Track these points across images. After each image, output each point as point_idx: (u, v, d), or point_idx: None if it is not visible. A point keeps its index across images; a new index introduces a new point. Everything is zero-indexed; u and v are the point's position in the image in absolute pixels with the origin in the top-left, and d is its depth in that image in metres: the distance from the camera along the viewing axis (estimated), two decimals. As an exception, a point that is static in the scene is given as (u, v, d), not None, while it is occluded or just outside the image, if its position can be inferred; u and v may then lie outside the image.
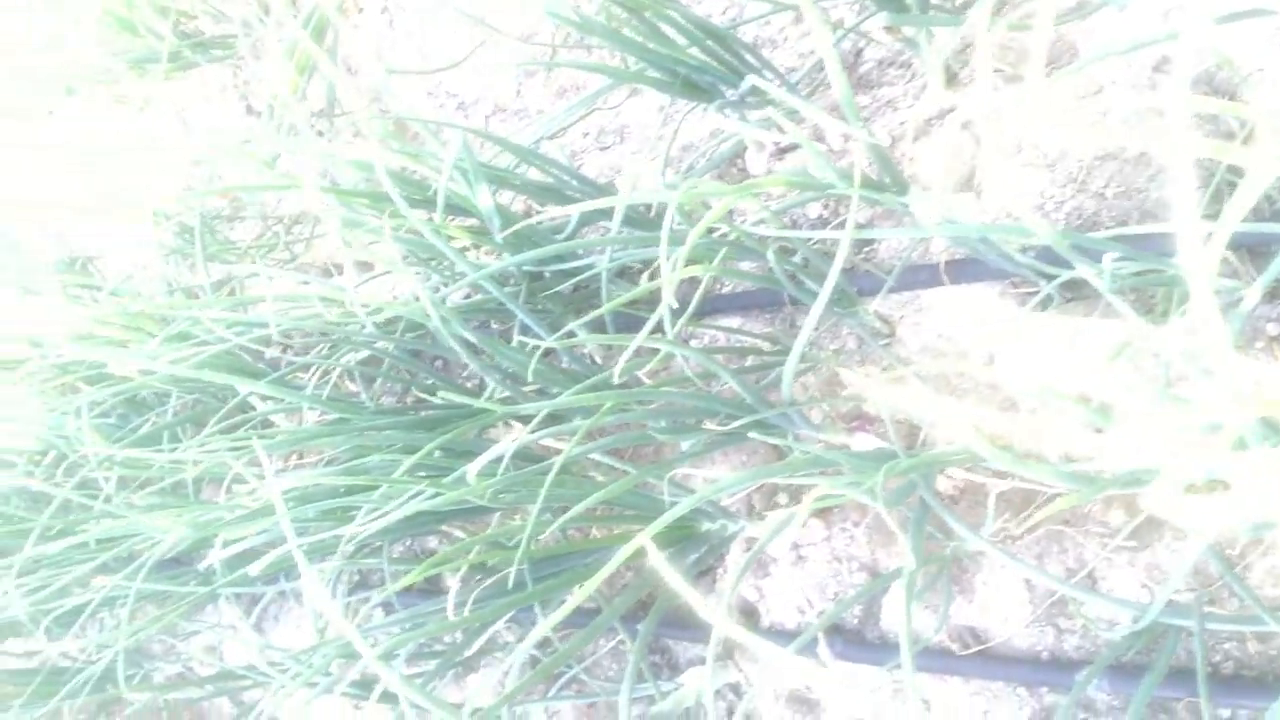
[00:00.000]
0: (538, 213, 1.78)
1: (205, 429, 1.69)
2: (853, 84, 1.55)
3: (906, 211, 1.24)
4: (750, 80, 1.38)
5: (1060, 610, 1.25)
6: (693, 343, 1.60)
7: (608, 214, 1.51)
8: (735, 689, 1.50)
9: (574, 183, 1.57)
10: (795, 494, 1.47)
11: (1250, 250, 1.14)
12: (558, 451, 1.42)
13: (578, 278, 1.50)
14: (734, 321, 1.58)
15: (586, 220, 1.60)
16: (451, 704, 1.17)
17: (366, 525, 1.25)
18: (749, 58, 1.47)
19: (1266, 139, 0.54)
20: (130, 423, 1.98)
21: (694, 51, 1.42)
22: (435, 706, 1.02)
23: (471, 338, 1.37)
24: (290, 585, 1.83)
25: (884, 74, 1.54)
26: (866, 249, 1.46)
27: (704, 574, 1.53)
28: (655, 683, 1.46)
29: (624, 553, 0.96)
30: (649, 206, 1.62)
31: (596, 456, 1.48)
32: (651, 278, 1.59)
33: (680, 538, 1.45)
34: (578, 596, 0.92)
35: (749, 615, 1.49)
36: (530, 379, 1.33)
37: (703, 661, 1.55)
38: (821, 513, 1.41)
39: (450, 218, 1.53)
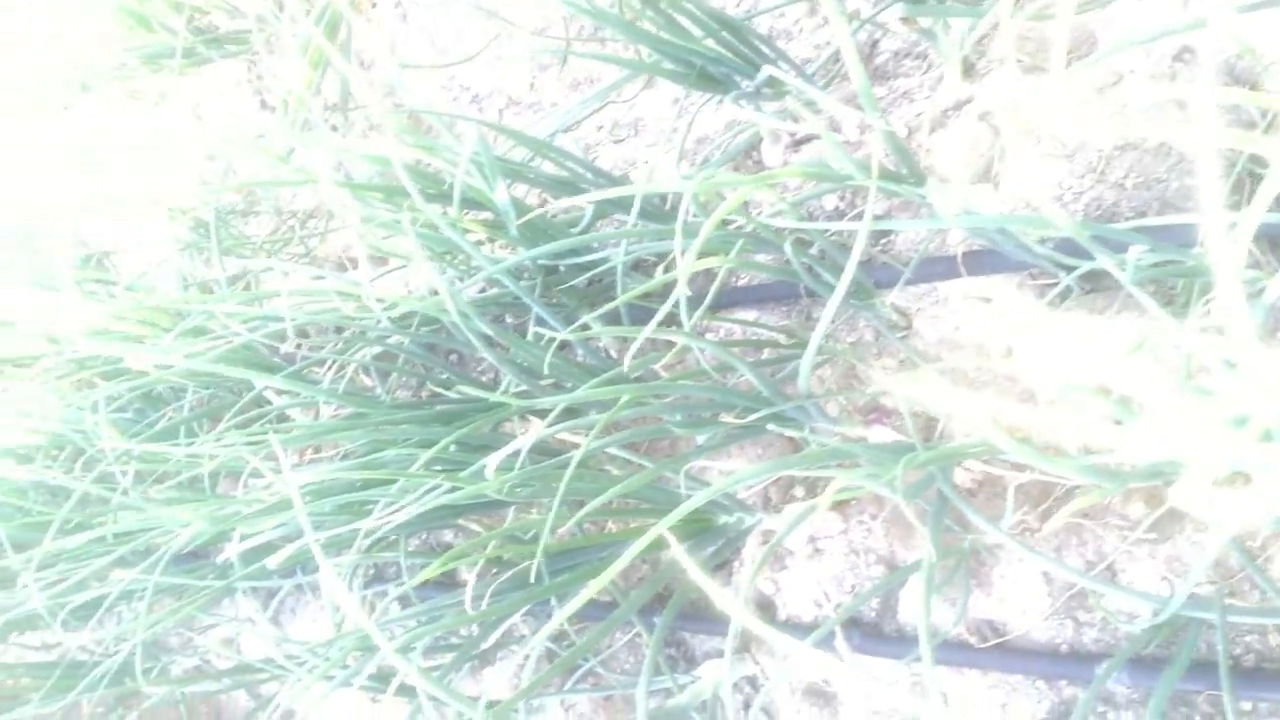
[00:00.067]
0: (553, 207, 1.79)
1: (221, 424, 1.70)
2: (869, 75, 1.54)
3: (923, 203, 1.23)
4: (766, 71, 1.37)
5: (1079, 603, 1.24)
6: (708, 335, 1.60)
7: (622, 207, 1.50)
8: (752, 682, 1.49)
9: (589, 176, 1.56)
10: (812, 487, 1.46)
11: (1271, 241, 1.13)
12: (573, 445, 1.42)
13: (593, 271, 1.50)
14: (750, 314, 1.58)
15: (601, 214, 1.59)
16: (468, 697, 1.17)
17: (385, 519, 1.25)
18: (764, 49, 1.46)
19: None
20: (147, 417, 1.99)
21: (709, 43, 1.41)
22: (453, 699, 1.02)
23: (490, 332, 1.36)
24: (307, 579, 1.84)
25: (900, 65, 1.53)
26: (883, 241, 1.45)
27: (720, 567, 1.53)
28: (672, 676, 1.46)
29: (640, 544, 0.96)
30: (664, 199, 1.62)
31: (612, 450, 1.47)
32: (667, 270, 1.59)
33: (697, 531, 1.45)
34: (592, 587, 0.92)
35: (766, 608, 1.48)
36: (546, 373, 1.33)
37: (719, 655, 1.55)
38: (838, 506, 1.41)
39: (464, 211, 1.53)
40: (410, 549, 1.61)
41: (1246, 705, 1.12)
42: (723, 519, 1.45)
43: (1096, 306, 1.25)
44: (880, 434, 1.36)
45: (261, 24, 2.20)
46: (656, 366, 1.46)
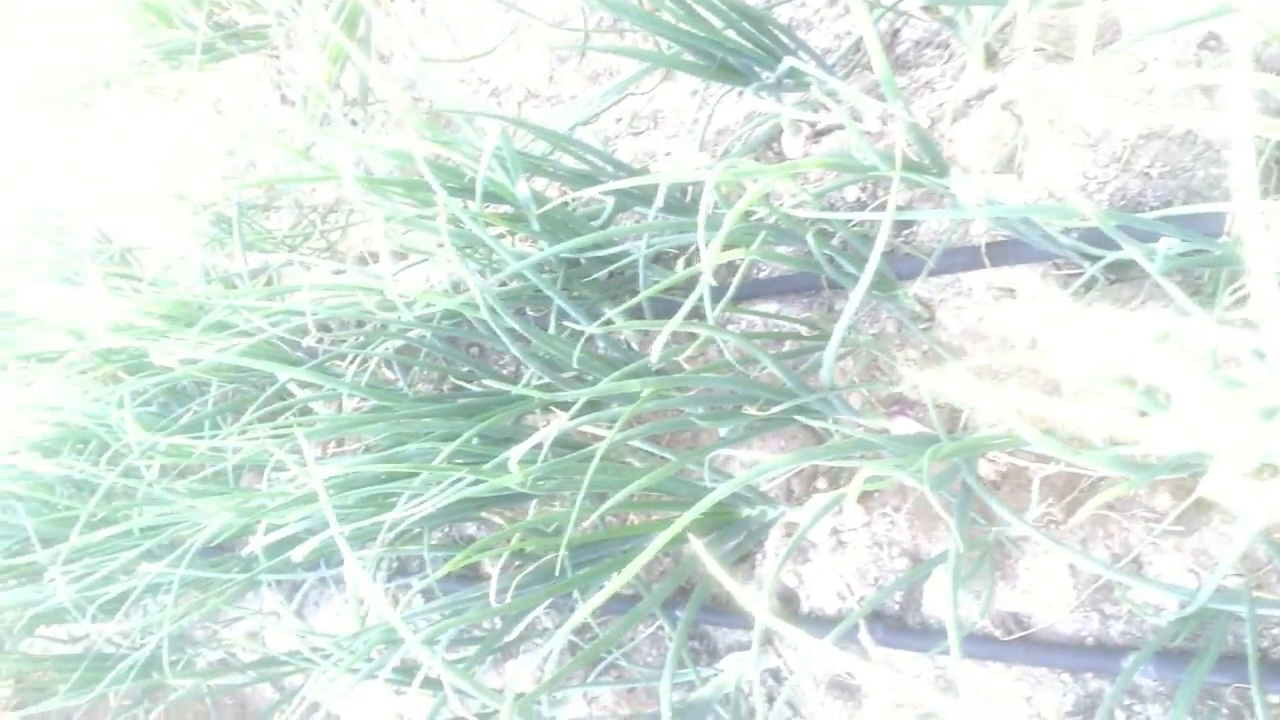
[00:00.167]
0: (574, 199, 1.78)
1: (245, 417, 1.71)
2: (890, 65, 1.53)
3: (946, 193, 1.22)
4: (788, 63, 1.37)
5: (1105, 596, 1.23)
6: (730, 327, 1.60)
7: (643, 200, 1.50)
8: (775, 674, 1.49)
9: (609, 168, 1.56)
10: (834, 479, 1.46)
11: (1301, 229, 1.12)
12: (595, 438, 1.42)
13: (615, 265, 1.50)
14: (771, 306, 1.57)
15: (621, 207, 1.59)
16: (492, 689, 1.17)
17: (411, 511, 1.25)
18: (785, 39, 1.45)
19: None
20: (171, 411, 2.00)
21: (729, 34, 1.41)
22: (479, 692, 1.02)
23: (515, 326, 1.37)
24: (331, 572, 1.84)
25: (921, 54, 1.52)
26: (906, 231, 1.44)
27: (743, 560, 1.53)
28: (695, 668, 1.46)
29: (664, 537, 0.96)
30: (685, 192, 1.61)
31: (634, 442, 1.47)
32: (688, 262, 1.59)
33: (720, 523, 1.45)
34: (617, 581, 0.92)
35: (789, 601, 1.48)
36: (574, 365, 1.33)
37: (741, 647, 1.55)
38: (861, 498, 1.40)
39: (485, 205, 1.53)
40: (432, 542, 1.62)
41: (1275, 698, 1.11)
42: (745, 512, 1.45)
43: (1122, 297, 1.24)
44: (903, 426, 1.35)
45: (281, 19, 2.21)
46: (679, 359, 1.46)
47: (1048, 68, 1.34)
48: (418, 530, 1.58)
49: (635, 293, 1.54)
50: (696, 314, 1.18)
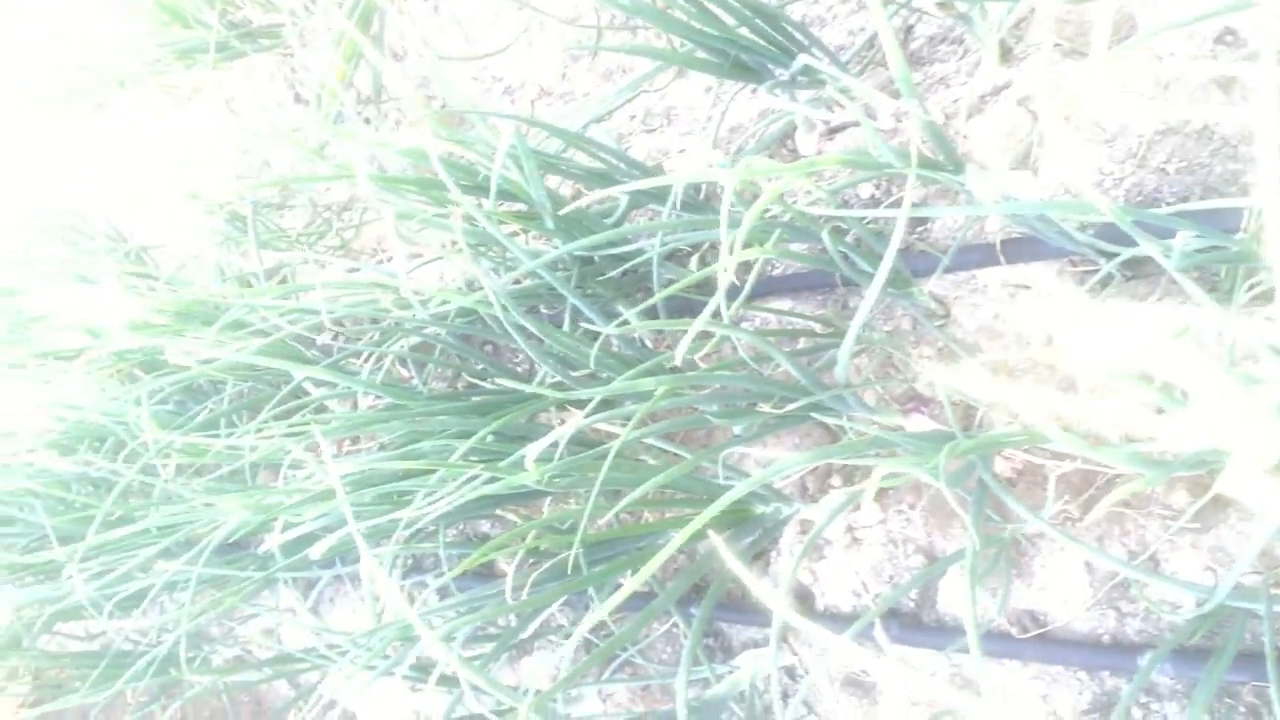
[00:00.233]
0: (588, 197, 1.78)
1: (260, 415, 1.72)
2: (906, 61, 1.52)
3: (961, 190, 1.22)
4: (802, 60, 1.36)
5: (1122, 593, 1.23)
6: (744, 325, 1.60)
7: (655, 198, 1.50)
8: (790, 672, 1.49)
9: (623, 166, 1.56)
10: (849, 476, 1.46)
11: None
12: (610, 435, 1.42)
13: (630, 263, 1.50)
14: (785, 303, 1.57)
15: (635, 204, 1.59)
16: (508, 686, 1.18)
17: (428, 509, 1.25)
18: (798, 36, 1.45)
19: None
20: (187, 409, 2.01)
21: (743, 31, 1.40)
22: (496, 690, 1.02)
23: (529, 324, 1.37)
24: (346, 569, 1.85)
25: (935, 50, 1.52)
26: (920, 228, 1.44)
27: (758, 557, 1.53)
28: (709, 666, 1.46)
29: (683, 535, 0.96)
30: (698, 189, 1.61)
31: (649, 440, 1.48)
32: (701, 260, 1.59)
33: (735, 521, 1.45)
34: (636, 579, 0.92)
35: (803, 599, 1.48)
36: (591, 365, 1.33)
37: (756, 645, 1.55)
38: (877, 495, 1.40)
39: (499, 203, 1.53)
40: (447, 539, 1.62)
41: (1293, 696, 1.11)
42: (760, 509, 1.45)
43: (1138, 293, 1.23)
44: (918, 423, 1.35)
45: (294, 18, 2.21)
46: (694, 357, 1.46)
47: (1063, 63, 1.33)
48: (433, 528, 1.58)
49: (649, 289, 1.55)
50: (711, 311, 1.18)
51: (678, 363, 1.16)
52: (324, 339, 1.93)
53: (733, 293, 1.16)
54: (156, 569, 1.70)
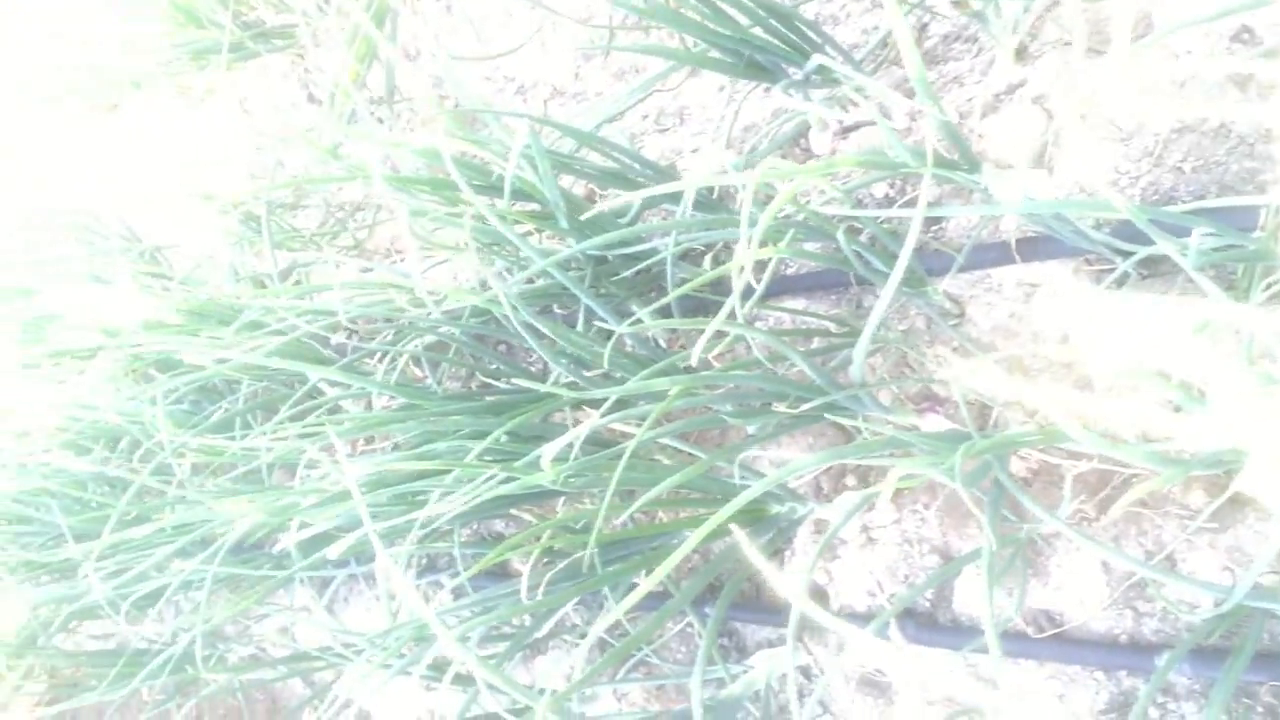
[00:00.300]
0: (600, 196, 1.79)
1: (275, 415, 1.72)
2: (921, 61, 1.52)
3: (975, 188, 1.22)
4: (817, 59, 1.36)
5: (1138, 593, 1.23)
6: (757, 324, 1.60)
7: (669, 197, 1.50)
8: (805, 672, 1.49)
9: (636, 166, 1.56)
10: (863, 476, 1.46)
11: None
12: (624, 435, 1.43)
13: (644, 263, 1.50)
14: (799, 303, 1.57)
15: (648, 204, 1.59)
16: (524, 686, 1.18)
17: (445, 509, 1.26)
18: (812, 35, 1.45)
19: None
20: (202, 409, 2.02)
21: (756, 31, 1.40)
22: (513, 689, 1.02)
23: (540, 325, 1.37)
24: (361, 569, 1.86)
25: (949, 49, 1.51)
26: (935, 227, 1.44)
27: (773, 557, 1.53)
28: (724, 665, 1.46)
29: (699, 534, 0.96)
30: (711, 189, 1.61)
31: (663, 439, 1.48)
32: (715, 259, 1.59)
33: (749, 521, 1.45)
34: (652, 579, 0.92)
35: (818, 598, 1.48)
36: (605, 365, 1.33)
37: (770, 644, 1.55)
38: (892, 495, 1.40)
39: (512, 203, 1.53)
40: (461, 538, 1.63)
41: (1312, 696, 1.11)
42: (775, 509, 1.45)
43: (1154, 292, 1.23)
44: (933, 422, 1.35)
45: (308, 18, 2.22)
46: (708, 356, 1.46)
47: (1078, 61, 1.33)
48: (447, 527, 1.59)
49: (662, 289, 1.55)
50: (726, 311, 1.18)
51: (693, 363, 1.16)
52: (338, 338, 1.93)
53: (747, 292, 1.16)
54: (172, 568, 1.71)
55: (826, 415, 1.28)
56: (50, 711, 2.54)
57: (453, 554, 1.60)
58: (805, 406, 1.26)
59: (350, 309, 1.58)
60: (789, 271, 1.59)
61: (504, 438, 1.42)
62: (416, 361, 1.83)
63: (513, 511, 1.75)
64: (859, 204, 1.52)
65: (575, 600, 1.56)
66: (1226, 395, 0.85)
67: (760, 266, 1.43)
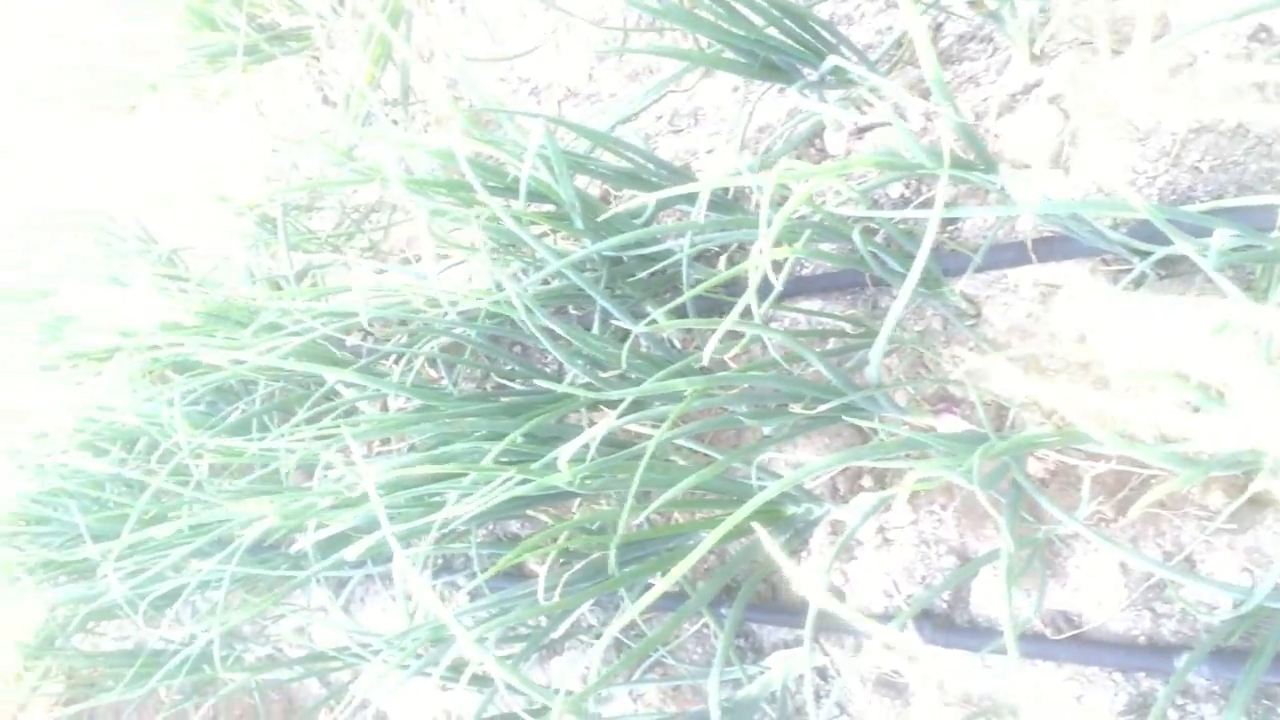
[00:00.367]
0: (615, 197, 1.79)
1: (292, 416, 1.73)
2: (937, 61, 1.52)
3: (992, 189, 1.22)
4: (832, 60, 1.36)
5: (1157, 594, 1.22)
6: (773, 325, 1.60)
7: (684, 198, 1.50)
8: (821, 673, 1.49)
9: (651, 166, 1.56)
10: (880, 476, 1.46)
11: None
12: (639, 436, 1.43)
13: (660, 264, 1.50)
14: (814, 304, 1.57)
15: (663, 204, 1.59)
16: (542, 687, 1.18)
17: (463, 510, 1.26)
18: (826, 35, 1.45)
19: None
20: (219, 410, 2.03)
21: (771, 31, 1.40)
22: (532, 690, 1.03)
23: (556, 326, 1.37)
24: (378, 569, 1.86)
25: (964, 49, 1.51)
26: (951, 228, 1.43)
27: (788, 558, 1.52)
28: (741, 666, 1.46)
29: (716, 534, 0.96)
30: (726, 189, 1.61)
31: (678, 440, 1.48)
32: (730, 260, 1.59)
33: (765, 522, 1.45)
34: (668, 579, 0.92)
35: (835, 598, 1.48)
36: (623, 366, 1.33)
37: (786, 645, 1.55)
38: (909, 496, 1.40)
39: (527, 204, 1.53)
40: (476, 539, 1.63)
41: (1333, 698, 1.10)
42: (791, 510, 1.45)
43: (1172, 292, 1.22)
44: (949, 423, 1.35)
45: (322, 20, 2.23)
46: (724, 357, 1.46)
47: (1094, 61, 1.33)
48: (464, 528, 1.59)
49: (677, 289, 1.55)
50: (741, 311, 1.18)
51: (705, 362, 1.17)
52: (353, 340, 1.94)
53: (763, 292, 1.16)
54: (190, 568, 1.71)
55: (843, 416, 1.28)
56: (68, 712, 2.56)
57: (467, 554, 1.60)
58: (822, 408, 1.26)
59: (368, 310, 1.58)
60: (804, 272, 1.59)
61: (519, 439, 1.42)
62: (432, 363, 1.83)
63: (528, 512, 1.75)
64: (875, 204, 1.51)
65: (591, 601, 1.56)
66: (1246, 396, 0.85)
67: (776, 267, 1.43)
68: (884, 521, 1.41)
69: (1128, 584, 1.24)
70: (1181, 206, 1.22)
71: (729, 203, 1.57)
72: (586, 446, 1.19)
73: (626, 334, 1.34)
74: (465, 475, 1.37)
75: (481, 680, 1.48)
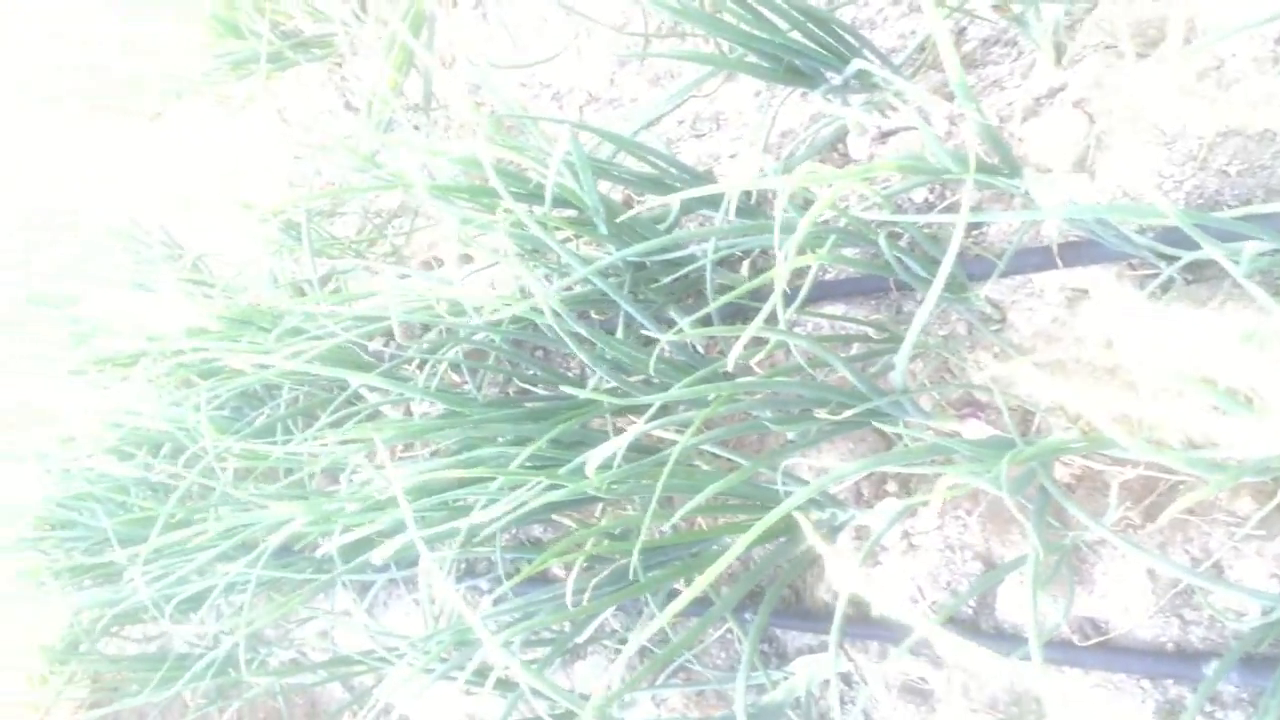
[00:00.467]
0: (637, 202, 1.79)
1: (316, 420, 1.74)
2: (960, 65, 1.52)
3: (1017, 193, 1.21)
4: (856, 64, 1.36)
5: (1185, 601, 1.21)
6: (797, 330, 1.59)
7: (707, 203, 1.50)
8: (846, 679, 1.49)
9: (673, 171, 1.56)
10: (904, 482, 1.45)
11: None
12: (663, 441, 1.43)
13: (685, 269, 1.50)
14: (838, 309, 1.57)
15: (686, 209, 1.59)
16: (567, 691, 1.18)
17: (492, 515, 1.26)
18: (849, 39, 1.44)
19: None
20: (244, 415, 2.04)
21: (794, 35, 1.40)
22: (558, 695, 1.03)
23: (582, 331, 1.38)
24: (401, 573, 1.87)
25: (989, 53, 1.51)
26: (975, 232, 1.43)
27: (813, 563, 1.52)
28: (765, 672, 1.46)
29: (744, 540, 0.96)
30: (749, 194, 1.61)
31: (702, 446, 1.48)
32: (753, 265, 1.59)
33: (790, 526, 1.44)
34: (696, 585, 0.92)
35: (859, 605, 1.47)
36: (650, 371, 1.33)
37: (810, 651, 1.55)
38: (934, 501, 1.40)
39: (551, 209, 1.54)
40: (500, 544, 1.64)
41: (1364, 706, 1.09)
42: (815, 515, 1.45)
43: (1199, 297, 1.22)
44: (975, 429, 1.34)
45: (346, 27, 2.24)
46: (749, 363, 1.46)
47: (1119, 64, 1.32)
48: (490, 533, 1.60)
49: (701, 294, 1.55)
50: (769, 317, 1.18)
51: (729, 367, 1.17)
52: (375, 345, 1.95)
53: (787, 298, 1.16)
54: (216, 572, 1.72)
55: (868, 422, 1.27)
56: (92, 716, 2.58)
57: (490, 558, 1.61)
58: (847, 413, 1.26)
59: (396, 316, 1.59)
60: (828, 277, 1.59)
61: (545, 444, 1.42)
62: (455, 368, 1.84)
63: (554, 517, 1.75)
64: (899, 209, 1.51)
65: (614, 606, 1.56)
66: (1275, 401, 0.84)
67: (800, 272, 1.43)
68: (909, 527, 1.41)
69: (1155, 590, 1.23)
70: (1209, 210, 1.21)
71: (752, 208, 1.57)
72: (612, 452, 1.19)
73: (649, 338, 1.34)
74: (491, 480, 1.37)
75: (506, 685, 1.48)
